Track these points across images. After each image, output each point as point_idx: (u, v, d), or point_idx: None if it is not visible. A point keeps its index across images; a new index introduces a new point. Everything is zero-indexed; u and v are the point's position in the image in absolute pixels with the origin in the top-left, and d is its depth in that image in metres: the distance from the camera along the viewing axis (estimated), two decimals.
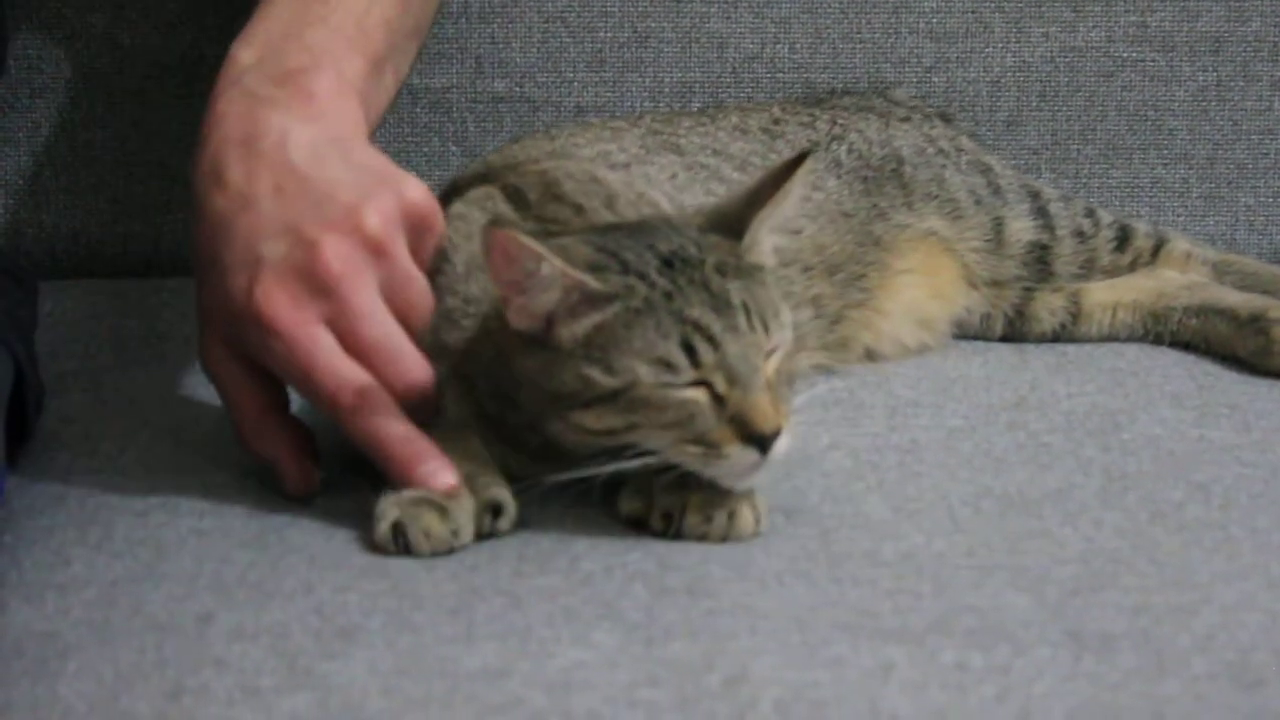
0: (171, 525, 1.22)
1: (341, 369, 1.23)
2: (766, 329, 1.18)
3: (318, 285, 1.23)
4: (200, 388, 1.43)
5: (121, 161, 1.69)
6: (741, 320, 1.17)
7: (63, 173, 1.69)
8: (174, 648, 1.08)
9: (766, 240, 1.23)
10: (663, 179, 1.46)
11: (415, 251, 1.27)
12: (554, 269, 1.16)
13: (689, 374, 1.16)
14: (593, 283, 1.17)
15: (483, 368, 1.24)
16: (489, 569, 1.16)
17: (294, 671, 1.05)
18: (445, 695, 1.03)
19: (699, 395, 1.16)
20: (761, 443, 1.16)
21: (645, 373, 1.16)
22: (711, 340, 1.17)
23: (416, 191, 1.27)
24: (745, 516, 1.19)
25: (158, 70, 1.68)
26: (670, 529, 1.19)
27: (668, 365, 1.16)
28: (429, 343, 1.25)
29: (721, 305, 1.17)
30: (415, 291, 1.26)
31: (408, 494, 1.19)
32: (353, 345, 1.23)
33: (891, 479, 1.29)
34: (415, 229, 1.27)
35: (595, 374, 1.17)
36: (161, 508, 1.24)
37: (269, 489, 1.26)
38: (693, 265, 1.19)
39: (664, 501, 1.19)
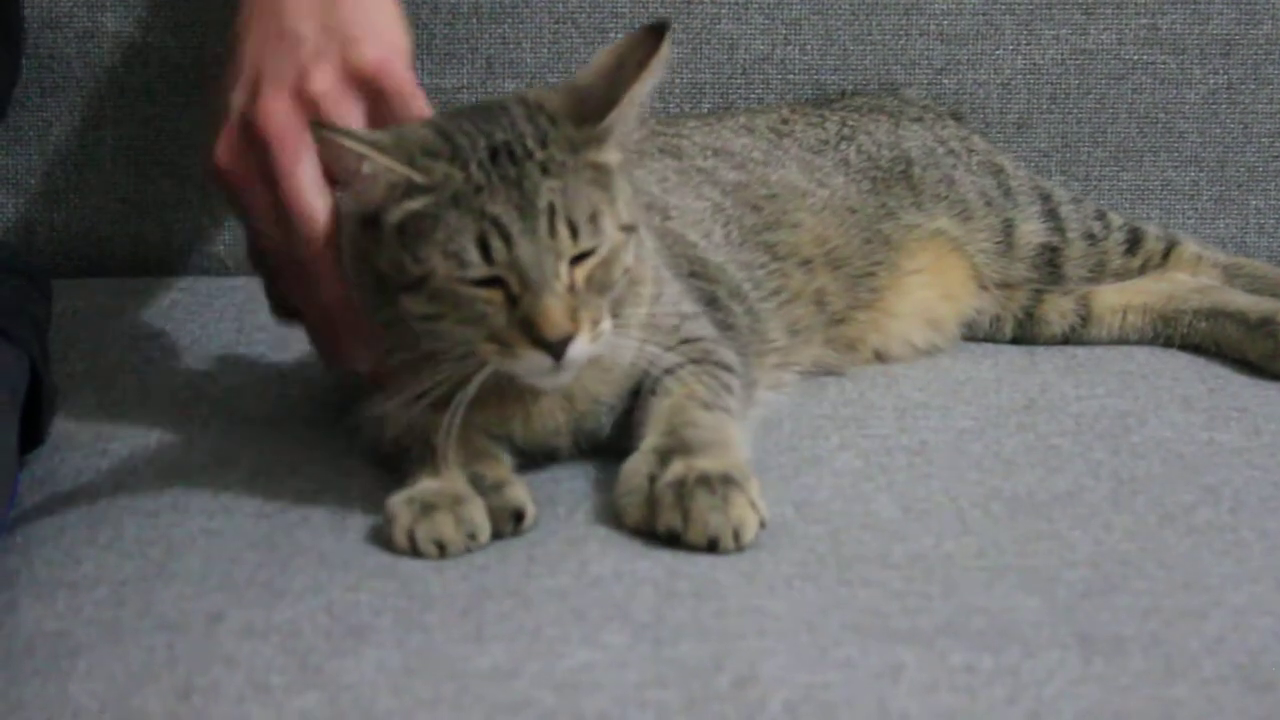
0: (182, 525, 1.22)
1: (268, 231, 1.24)
2: (575, 234, 1.19)
3: (256, 140, 1.24)
4: (210, 388, 1.43)
5: (133, 160, 1.69)
6: (543, 223, 1.19)
7: (74, 172, 1.69)
8: (184, 646, 1.08)
9: (620, 129, 1.23)
10: (650, 180, 1.46)
11: (378, 118, 1.26)
12: (376, 166, 1.19)
13: (481, 269, 1.18)
14: (414, 175, 1.19)
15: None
16: (499, 569, 1.16)
17: (304, 670, 1.05)
18: (455, 695, 1.03)
19: (493, 295, 1.19)
20: (550, 348, 1.18)
21: (440, 264, 1.19)
22: (507, 239, 1.18)
23: (369, 54, 1.25)
24: (749, 524, 1.18)
25: (169, 69, 1.68)
26: (679, 543, 1.19)
27: (460, 260, 1.18)
28: None
29: (526, 205, 1.19)
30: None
31: (417, 494, 1.19)
32: (280, 205, 1.24)
33: (901, 480, 1.29)
34: (371, 93, 1.25)
35: (405, 260, 1.20)
36: (172, 507, 1.24)
37: (279, 489, 1.26)
38: (516, 161, 1.20)
39: (666, 518, 1.19)
